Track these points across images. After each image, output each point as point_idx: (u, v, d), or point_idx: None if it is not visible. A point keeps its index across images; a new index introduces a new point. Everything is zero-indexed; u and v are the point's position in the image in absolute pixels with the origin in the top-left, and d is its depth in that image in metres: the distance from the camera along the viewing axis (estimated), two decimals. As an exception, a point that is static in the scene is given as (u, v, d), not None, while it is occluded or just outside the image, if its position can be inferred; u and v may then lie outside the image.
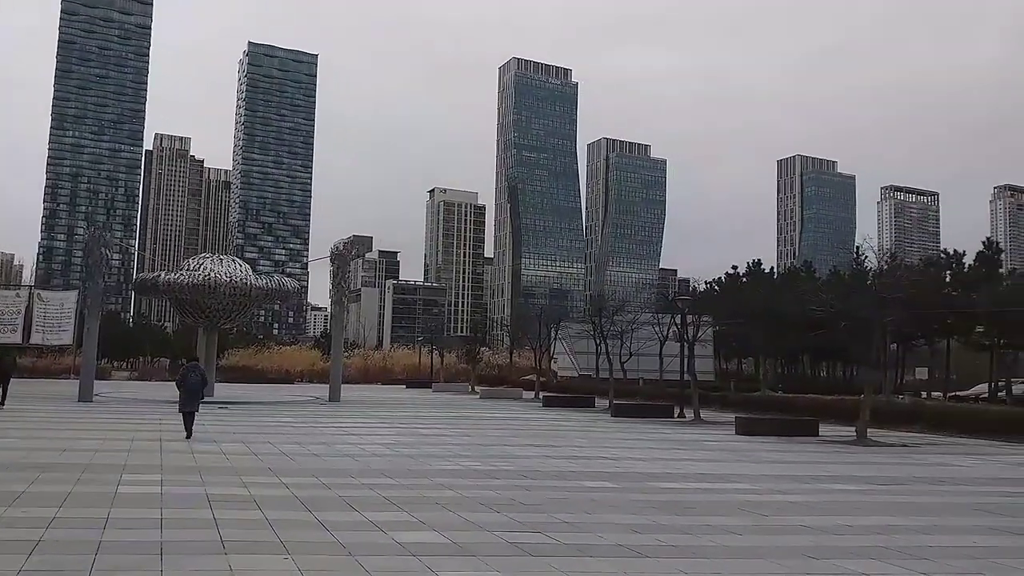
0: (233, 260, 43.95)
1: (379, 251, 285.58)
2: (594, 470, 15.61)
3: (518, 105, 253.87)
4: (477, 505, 11.09)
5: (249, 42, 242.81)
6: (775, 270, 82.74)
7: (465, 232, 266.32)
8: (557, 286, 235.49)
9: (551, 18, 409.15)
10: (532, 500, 11.63)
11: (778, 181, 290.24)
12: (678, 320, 37.90)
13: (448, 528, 9.42)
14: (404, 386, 64.37)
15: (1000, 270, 54.89)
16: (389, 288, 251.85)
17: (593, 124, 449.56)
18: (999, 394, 44.65)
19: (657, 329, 42.98)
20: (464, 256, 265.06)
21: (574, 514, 10.59)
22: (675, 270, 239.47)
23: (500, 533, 9.18)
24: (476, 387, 56.11)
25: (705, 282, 68.07)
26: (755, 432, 25.44)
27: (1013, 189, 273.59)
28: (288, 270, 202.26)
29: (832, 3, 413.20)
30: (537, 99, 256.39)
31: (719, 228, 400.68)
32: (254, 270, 46.93)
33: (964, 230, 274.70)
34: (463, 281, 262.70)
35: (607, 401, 36.32)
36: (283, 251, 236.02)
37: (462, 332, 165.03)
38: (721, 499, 12.45)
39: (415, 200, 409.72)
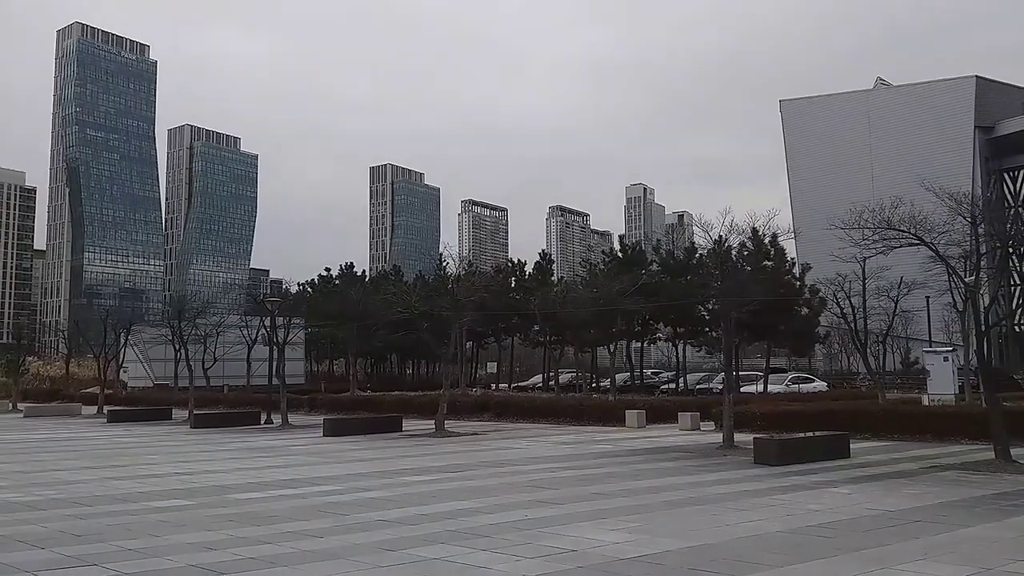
0: None
1: None
2: (165, 488, 14.31)
3: (82, 77, 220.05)
4: (12, 543, 9.38)
5: None
6: (367, 273, 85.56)
7: (7, 218, 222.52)
8: (129, 285, 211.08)
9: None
10: (88, 530, 10.21)
11: (371, 188, 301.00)
12: (268, 323, 36.99)
13: (-33, 578, 7.78)
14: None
15: (552, 278, 64.31)
16: None
17: (176, 109, 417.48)
18: (550, 383, 52.12)
19: (245, 332, 41.51)
20: (6, 247, 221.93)
21: (139, 539, 9.60)
22: (267, 271, 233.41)
23: (42, 572, 7.88)
24: (20, 404, 47.69)
25: (298, 284, 67.80)
26: (343, 433, 25.94)
27: (563, 210, 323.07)
28: None
29: (407, 28, 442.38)
30: (106, 73, 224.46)
31: (314, 230, 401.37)
32: None
33: (527, 242, 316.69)
34: (4, 278, 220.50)
35: (187, 412, 33.75)
36: None
37: (2, 339, 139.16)
38: (303, 504, 12.34)
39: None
